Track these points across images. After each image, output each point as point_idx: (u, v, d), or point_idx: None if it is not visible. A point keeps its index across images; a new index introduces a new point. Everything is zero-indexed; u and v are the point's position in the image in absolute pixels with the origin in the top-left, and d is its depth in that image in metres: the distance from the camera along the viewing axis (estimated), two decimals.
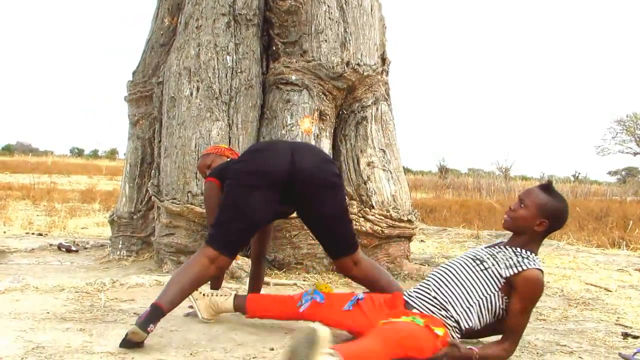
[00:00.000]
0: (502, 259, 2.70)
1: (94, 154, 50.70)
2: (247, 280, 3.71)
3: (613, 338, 3.25)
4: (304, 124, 4.86)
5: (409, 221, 5.00)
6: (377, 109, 5.19)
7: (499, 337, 2.72)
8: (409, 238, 5.11)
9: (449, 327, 2.64)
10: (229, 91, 4.90)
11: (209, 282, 3.27)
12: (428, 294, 2.74)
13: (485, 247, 2.85)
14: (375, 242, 4.87)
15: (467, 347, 2.59)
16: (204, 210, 4.58)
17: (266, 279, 4.33)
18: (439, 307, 2.68)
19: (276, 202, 2.94)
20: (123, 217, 5.48)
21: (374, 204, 4.93)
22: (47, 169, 23.50)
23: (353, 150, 5.10)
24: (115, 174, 22.00)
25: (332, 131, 5.11)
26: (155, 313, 2.68)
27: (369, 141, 5.09)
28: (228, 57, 4.94)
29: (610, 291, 4.65)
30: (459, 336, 2.69)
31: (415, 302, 2.75)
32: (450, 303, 2.67)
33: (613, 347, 3.07)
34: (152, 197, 5.09)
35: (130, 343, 2.64)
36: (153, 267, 4.94)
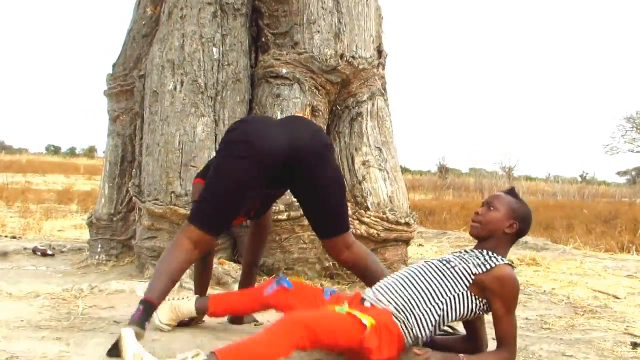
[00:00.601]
0: (469, 259, 2.74)
1: (72, 152, 50.62)
2: (236, 287, 3.72)
3: (622, 348, 3.26)
4: None
5: (407, 224, 5.00)
6: (373, 104, 5.19)
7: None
8: (406, 242, 5.12)
9: (405, 328, 2.63)
10: (216, 85, 4.90)
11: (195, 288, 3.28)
12: (387, 293, 2.75)
13: (452, 253, 2.90)
14: (371, 246, 4.85)
15: (460, 355, 2.62)
16: (188, 212, 4.59)
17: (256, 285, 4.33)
18: (399, 308, 2.67)
19: (267, 178, 2.91)
20: (102, 219, 5.47)
21: (369, 205, 4.93)
22: (22, 168, 23.45)
23: (347, 149, 5.10)
24: (94, 174, 21.99)
25: (326, 128, 5.10)
26: (149, 309, 2.69)
27: (365, 139, 5.09)
28: (214, 49, 4.94)
29: (619, 299, 4.68)
30: (425, 336, 2.68)
31: (373, 301, 2.75)
32: (411, 303, 2.66)
33: (622, 358, 3.09)
34: (133, 198, 5.08)
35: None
36: (134, 272, 4.93)
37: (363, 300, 2.78)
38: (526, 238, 8.44)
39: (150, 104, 4.98)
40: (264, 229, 3.52)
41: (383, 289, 2.76)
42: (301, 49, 4.98)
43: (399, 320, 2.63)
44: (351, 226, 4.73)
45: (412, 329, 2.63)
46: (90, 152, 47.85)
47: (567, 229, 10.10)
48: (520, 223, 2.80)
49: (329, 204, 3.08)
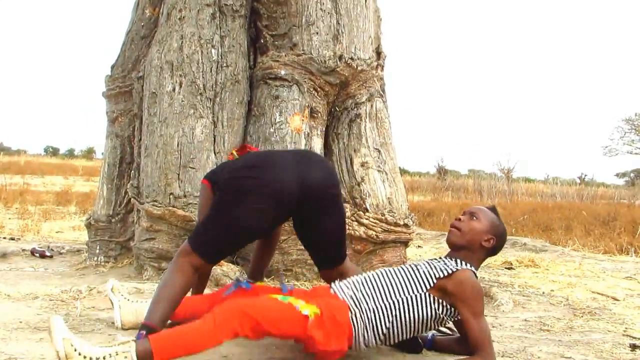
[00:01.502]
0: (437, 264, 2.78)
1: (70, 154, 50.53)
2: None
3: (620, 350, 3.26)
4: (294, 122, 4.86)
5: (406, 225, 4.99)
6: (371, 105, 5.19)
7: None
8: (405, 243, 5.11)
9: (356, 320, 2.64)
10: (214, 86, 4.90)
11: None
12: (348, 286, 2.77)
13: (428, 259, 2.92)
14: (369, 247, 4.86)
15: None
16: (187, 214, 4.59)
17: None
18: (354, 301, 2.69)
19: (278, 219, 2.96)
20: (100, 220, 5.46)
21: (368, 207, 4.93)
22: (20, 169, 23.40)
23: (346, 150, 5.09)
24: (92, 175, 21.94)
25: (324, 129, 5.10)
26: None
27: (363, 140, 5.09)
28: (213, 51, 4.94)
29: (617, 300, 4.68)
30: (381, 334, 2.69)
31: (336, 290, 2.78)
32: (366, 297, 2.68)
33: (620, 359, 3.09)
34: (132, 199, 5.08)
35: None
36: (132, 273, 4.93)
37: (331, 289, 2.82)
38: (525, 239, 8.47)
39: (149, 105, 4.98)
40: (275, 240, 3.53)
41: (346, 283, 2.80)
42: (300, 50, 4.98)
43: (351, 312, 2.64)
44: (350, 227, 4.77)
45: (363, 322, 2.64)
46: (89, 153, 47.77)
47: (565, 230, 10.11)
48: (497, 240, 2.86)
49: (333, 239, 3.11)
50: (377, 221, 4.88)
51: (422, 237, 8.71)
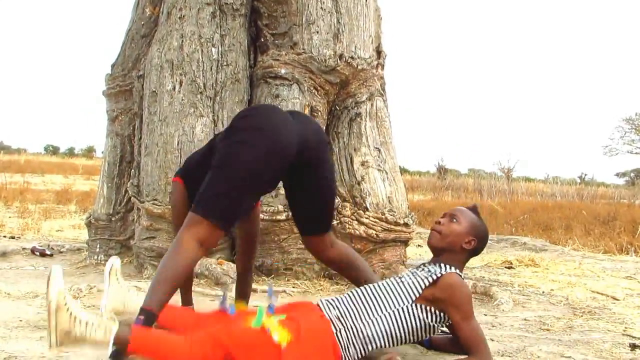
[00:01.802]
0: (420, 273, 2.77)
1: (70, 152, 50.58)
2: (233, 287, 3.70)
3: (620, 349, 3.26)
4: None
5: (406, 224, 5.00)
6: (372, 105, 5.19)
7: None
8: (405, 243, 5.12)
9: (340, 337, 2.61)
10: (214, 85, 4.90)
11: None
12: (334, 303, 2.73)
13: (413, 268, 2.92)
14: (369, 246, 4.86)
15: None
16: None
17: (253, 285, 4.32)
18: (339, 318, 2.65)
19: (280, 172, 2.85)
20: (101, 219, 5.46)
21: (368, 206, 4.93)
22: (20, 167, 23.41)
23: (346, 149, 5.09)
24: (92, 174, 21.96)
25: (324, 128, 5.10)
26: (149, 319, 2.54)
27: (364, 139, 5.09)
28: (213, 49, 4.94)
29: (617, 300, 4.67)
30: (371, 349, 2.66)
31: (323, 307, 2.74)
32: (352, 314, 2.65)
33: (620, 359, 3.09)
34: (132, 198, 5.08)
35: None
36: (132, 272, 4.93)
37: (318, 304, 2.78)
38: (525, 239, 8.48)
39: (149, 104, 4.98)
40: (254, 230, 3.43)
41: (332, 300, 2.75)
42: (300, 49, 4.98)
43: (336, 329, 2.61)
44: (350, 226, 4.77)
45: (351, 339, 2.61)
46: (89, 152, 47.82)
47: (565, 229, 10.10)
48: (478, 241, 2.85)
49: (325, 200, 3.09)
50: (377, 220, 4.88)
51: (422, 236, 8.69)
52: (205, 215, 2.65)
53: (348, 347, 2.61)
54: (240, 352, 2.42)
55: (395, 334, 2.67)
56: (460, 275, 2.78)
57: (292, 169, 2.88)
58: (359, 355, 2.65)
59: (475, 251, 2.89)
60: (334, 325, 2.62)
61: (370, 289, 2.78)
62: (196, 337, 2.42)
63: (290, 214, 4.60)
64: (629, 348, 3.28)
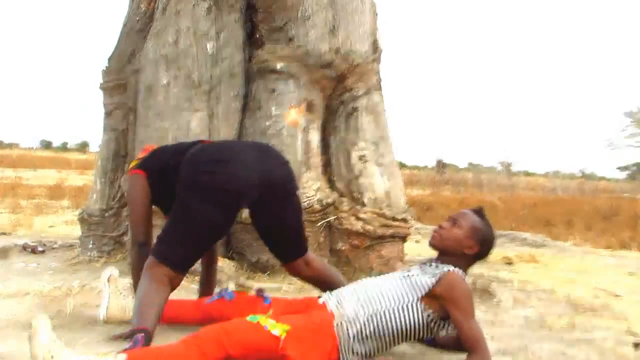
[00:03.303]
0: (428, 271, 2.78)
1: (64, 147, 50.60)
2: (228, 284, 3.71)
3: (623, 348, 3.25)
4: (290, 116, 4.85)
5: (404, 220, 4.99)
6: (368, 99, 5.18)
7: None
8: (403, 238, 5.11)
9: (340, 328, 2.63)
10: (210, 80, 4.89)
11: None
12: (337, 295, 2.77)
13: (420, 263, 2.93)
14: (367, 242, 4.85)
15: None
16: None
17: (250, 282, 4.31)
18: (340, 310, 2.68)
19: (238, 215, 3.01)
20: (94, 214, 5.44)
21: (365, 201, 4.92)
22: (12, 162, 23.42)
23: (343, 144, 5.09)
24: (86, 168, 21.95)
25: (321, 123, 5.10)
26: (149, 338, 2.59)
27: (361, 134, 5.08)
28: (208, 44, 4.93)
29: (620, 297, 4.67)
30: (372, 344, 2.68)
31: (325, 299, 2.79)
32: (355, 309, 2.67)
33: (623, 358, 3.08)
34: (125, 193, 5.06)
35: None
36: (126, 269, 4.90)
37: (319, 298, 2.83)
38: (524, 234, 8.47)
39: (144, 98, 4.97)
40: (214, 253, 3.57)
41: (335, 293, 2.80)
42: (296, 44, 4.98)
43: (336, 323, 2.64)
44: (347, 222, 4.76)
45: (350, 333, 2.63)
46: (83, 147, 47.86)
47: (566, 225, 10.12)
48: (480, 245, 2.85)
49: (293, 230, 3.19)
50: (375, 215, 4.88)
51: (420, 231, 8.68)
52: (166, 263, 2.79)
53: (346, 342, 2.62)
54: (236, 348, 2.44)
55: (398, 330, 2.68)
56: (464, 276, 2.78)
57: (256, 202, 2.98)
58: (358, 351, 2.65)
59: (479, 256, 2.89)
60: (334, 317, 2.63)
61: (377, 282, 2.77)
62: (193, 339, 2.41)
63: None
64: (633, 346, 3.27)
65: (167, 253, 2.82)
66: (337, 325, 2.63)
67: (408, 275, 2.77)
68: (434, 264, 2.84)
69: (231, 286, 3.33)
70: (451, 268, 2.74)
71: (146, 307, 2.70)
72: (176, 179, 2.94)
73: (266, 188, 2.92)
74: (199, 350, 2.37)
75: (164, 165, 3.16)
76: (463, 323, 2.66)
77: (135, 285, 3.18)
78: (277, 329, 2.51)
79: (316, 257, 3.38)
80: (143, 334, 2.54)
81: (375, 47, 5.41)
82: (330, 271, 3.41)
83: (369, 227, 4.86)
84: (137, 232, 3.19)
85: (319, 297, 2.87)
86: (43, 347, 2.21)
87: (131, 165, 3.35)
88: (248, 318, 2.57)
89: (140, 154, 3.40)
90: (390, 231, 4.93)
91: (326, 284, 3.23)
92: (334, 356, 2.62)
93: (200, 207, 2.81)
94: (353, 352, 2.66)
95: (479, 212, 2.93)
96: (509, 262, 6.24)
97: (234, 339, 2.45)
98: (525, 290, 4.78)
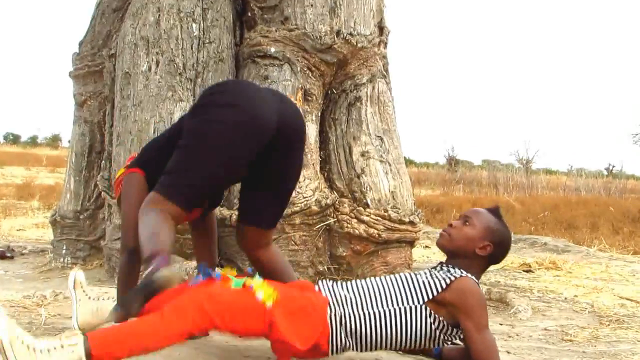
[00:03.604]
0: (437, 274, 2.77)
1: (33, 142, 50.56)
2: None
3: None
4: None
5: (411, 223, 4.98)
6: (373, 87, 5.17)
7: None
8: (411, 243, 5.11)
9: (334, 319, 2.65)
10: (195, 65, 4.89)
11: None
12: (337, 286, 2.77)
13: (430, 266, 2.93)
14: (370, 247, 4.85)
15: None
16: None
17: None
18: (337, 301, 2.69)
19: (253, 155, 2.91)
20: (67, 217, 5.45)
21: (369, 202, 4.91)
22: None
23: (344, 137, 5.08)
24: (58, 165, 21.93)
25: (320, 114, 5.09)
26: (166, 259, 2.54)
27: (364, 126, 5.07)
28: (194, 25, 4.92)
29: None
30: (364, 342, 2.69)
31: (322, 287, 2.79)
32: (354, 300, 2.69)
33: None
34: (102, 193, 5.07)
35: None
36: (103, 277, 4.92)
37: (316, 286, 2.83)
38: (545, 239, 8.49)
39: (122, 86, 4.97)
40: (212, 225, 3.45)
41: (335, 284, 2.79)
42: (292, 25, 4.96)
43: (331, 311, 2.65)
44: (348, 225, 4.76)
45: (344, 326, 2.64)
46: (54, 141, 47.82)
47: (591, 228, 10.13)
48: (495, 246, 2.82)
49: (287, 189, 3.18)
50: (379, 218, 4.87)
51: (429, 236, 8.70)
52: (169, 197, 2.74)
53: (338, 333, 2.63)
54: (220, 315, 2.43)
55: (395, 333, 2.68)
56: (477, 282, 2.78)
57: (267, 147, 2.93)
58: (350, 347, 2.67)
59: (493, 258, 2.87)
60: (329, 305, 2.65)
61: (381, 280, 2.78)
62: (172, 309, 2.39)
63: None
64: None
65: (171, 188, 2.78)
66: (332, 315, 2.64)
67: (416, 277, 2.77)
68: (444, 267, 2.84)
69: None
70: (463, 273, 2.75)
71: (156, 234, 2.64)
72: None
73: (284, 129, 2.91)
74: (179, 321, 2.36)
75: (153, 150, 3.17)
76: (475, 334, 2.64)
77: (121, 293, 3.12)
78: (263, 290, 2.53)
79: (275, 246, 3.38)
80: (165, 257, 2.48)
81: (381, 29, 5.38)
82: (285, 263, 3.41)
83: (372, 231, 4.85)
84: (127, 237, 3.08)
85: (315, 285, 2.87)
86: (7, 327, 2.21)
87: (118, 174, 3.32)
88: (233, 285, 2.58)
89: (128, 162, 3.37)
90: (396, 235, 4.92)
91: (276, 274, 3.18)
92: (323, 345, 2.63)
93: (212, 127, 2.78)
94: (343, 346, 2.67)
95: (494, 210, 2.91)
96: (528, 269, 6.25)
97: (218, 304, 2.44)
98: (545, 299, 4.80)
